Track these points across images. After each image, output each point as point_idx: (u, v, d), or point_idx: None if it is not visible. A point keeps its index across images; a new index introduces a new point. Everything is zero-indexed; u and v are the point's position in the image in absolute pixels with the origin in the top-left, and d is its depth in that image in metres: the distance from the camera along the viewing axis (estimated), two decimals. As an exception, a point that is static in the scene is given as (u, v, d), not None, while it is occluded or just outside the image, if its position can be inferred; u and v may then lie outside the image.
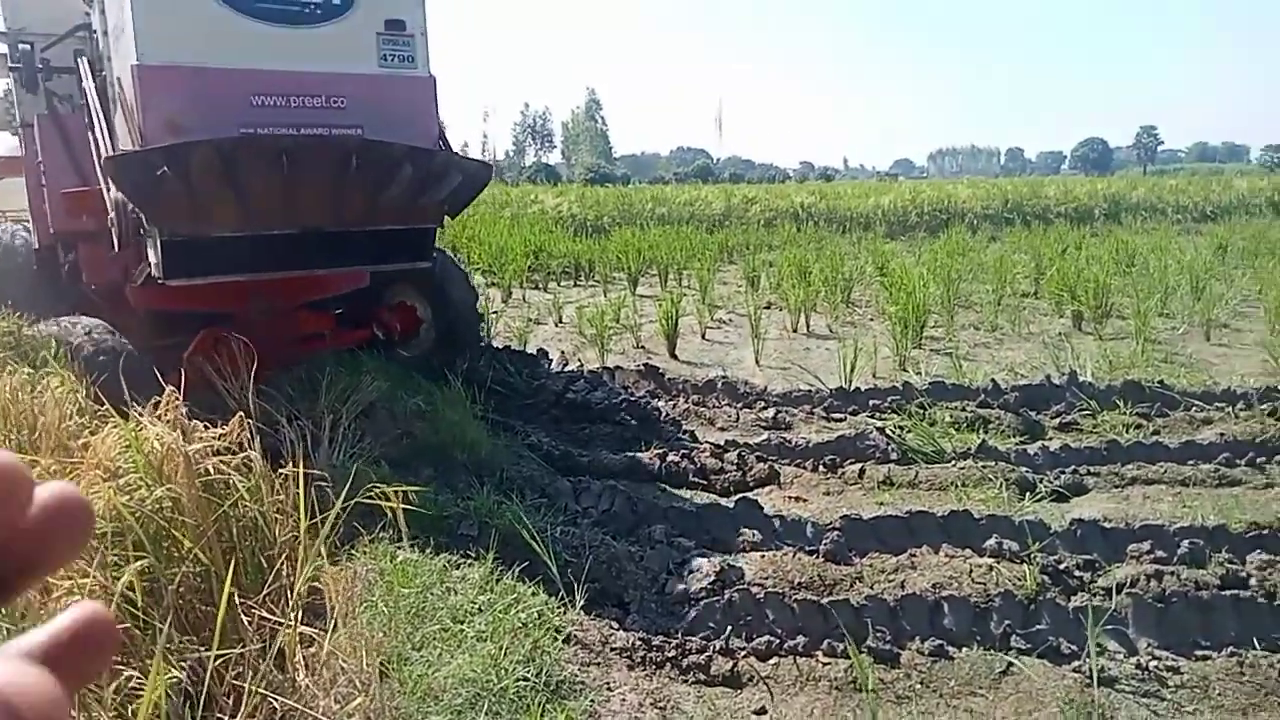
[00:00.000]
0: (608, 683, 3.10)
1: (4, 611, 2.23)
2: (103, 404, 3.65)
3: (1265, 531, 4.13)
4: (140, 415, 3.23)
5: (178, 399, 3.30)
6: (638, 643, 3.34)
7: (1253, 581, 3.69)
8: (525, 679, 2.90)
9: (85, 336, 4.83)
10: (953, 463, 5.25)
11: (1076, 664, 3.19)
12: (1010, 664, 3.19)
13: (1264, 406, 5.97)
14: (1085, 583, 3.79)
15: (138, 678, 2.26)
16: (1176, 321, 9.53)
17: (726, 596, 3.61)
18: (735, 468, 5.32)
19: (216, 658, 2.40)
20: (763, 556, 4.05)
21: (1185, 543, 3.97)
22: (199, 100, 4.76)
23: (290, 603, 2.74)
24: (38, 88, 6.09)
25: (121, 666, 2.36)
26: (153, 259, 4.85)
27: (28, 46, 5.94)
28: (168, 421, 3.21)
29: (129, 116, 4.85)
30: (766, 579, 3.84)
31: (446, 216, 5.63)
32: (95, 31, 5.37)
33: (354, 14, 5.19)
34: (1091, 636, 3.09)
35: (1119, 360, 7.68)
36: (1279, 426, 5.66)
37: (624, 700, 3.01)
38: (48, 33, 5.94)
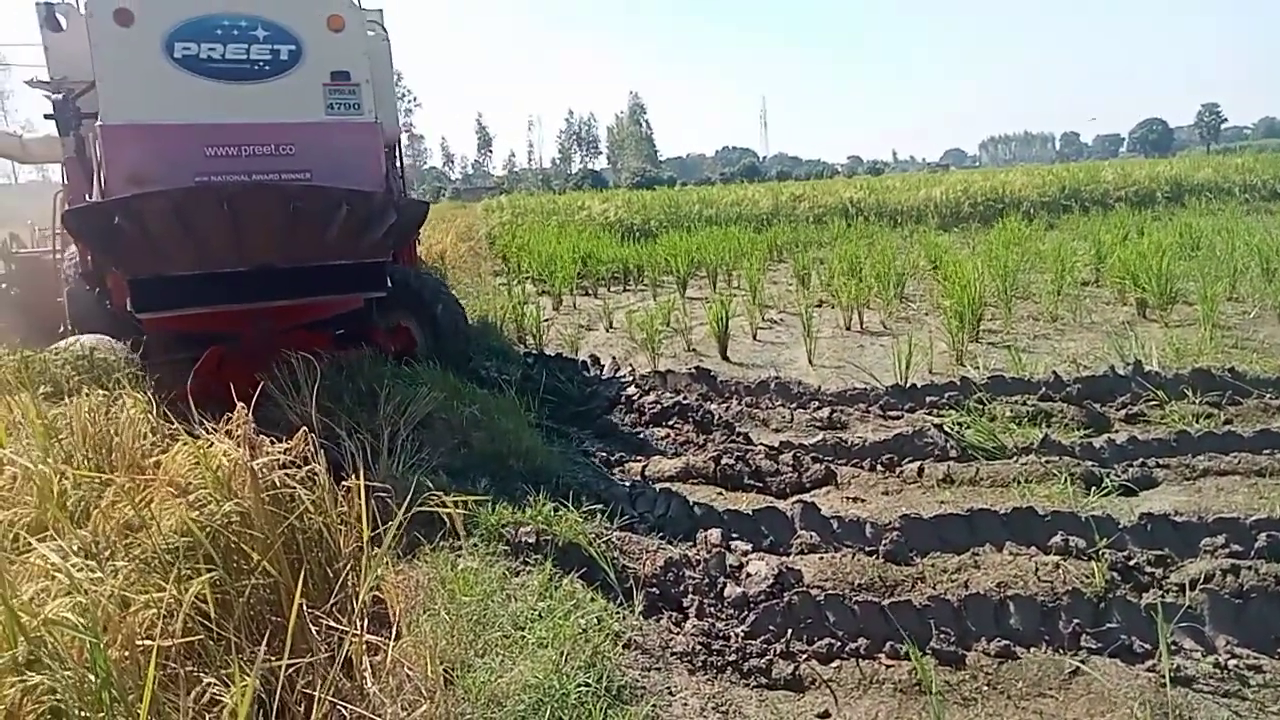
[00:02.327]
0: (669, 687, 3.11)
1: None
2: (173, 423, 3.78)
3: (1349, 522, 3.95)
4: (209, 433, 3.33)
5: (246, 416, 3.40)
6: (698, 647, 3.34)
7: (1337, 575, 3.54)
8: (587, 684, 2.91)
9: (85, 351, 5.50)
10: (1014, 458, 5.15)
11: (1150, 663, 3.10)
12: (1080, 664, 3.12)
13: (1344, 392, 5.72)
14: (1157, 579, 3.69)
15: (215, 686, 2.33)
16: (1246, 306, 9.20)
17: (786, 599, 3.59)
18: (791, 469, 5.29)
19: (288, 667, 2.46)
20: (821, 558, 4.02)
21: (1262, 535, 3.83)
22: (158, 154, 5.43)
23: (356, 612, 2.81)
24: (69, 132, 6.55)
25: (198, 676, 2.45)
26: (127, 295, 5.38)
27: (60, 96, 6.42)
28: (235, 438, 3.31)
29: (97, 170, 5.58)
30: (826, 581, 3.81)
31: (391, 250, 6.09)
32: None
33: (301, 68, 5.80)
34: (1164, 635, 3.00)
35: (1186, 348, 7.44)
36: (1361, 412, 5.42)
37: (686, 705, 3.01)
38: (83, 80, 6.31)
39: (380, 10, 8.66)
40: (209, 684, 2.38)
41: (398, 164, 8.59)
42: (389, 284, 6.12)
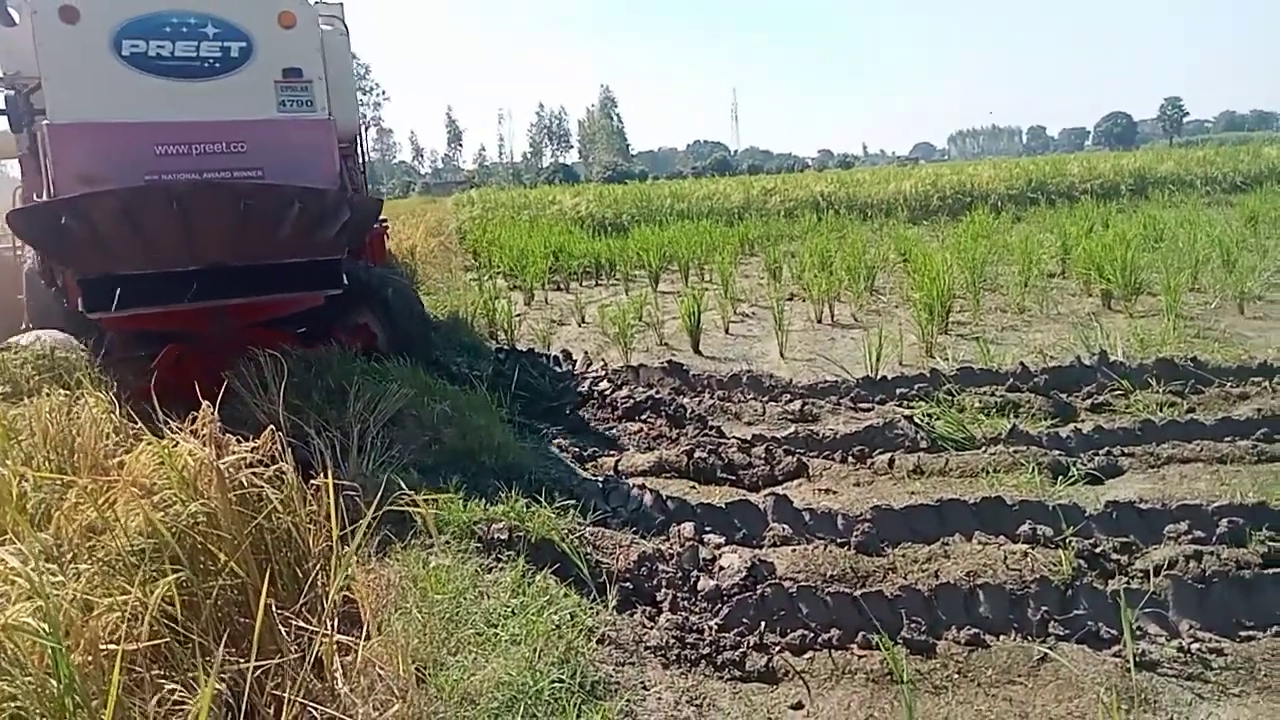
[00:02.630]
0: (643, 682, 3.11)
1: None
2: (137, 423, 3.72)
3: (1307, 507, 4.04)
4: (174, 432, 3.28)
5: (212, 415, 3.35)
6: (671, 640, 3.35)
7: (1296, 559, 3.62)
8: (560, 681, 2.91)
9: (44, 349, 5.47)
10: (983, 449, 5.20)
11: (1116, 649, 3.15)
12: (1048, 651, 3.16)
13: (1302, 380, 5.85)
14: (1123, 566, 3.75)
15: (180, 691, 2.30)
16: (1208, 296, 9.37)
17: (759, 592, 3.61)
18: (763, 462, 5.31)
19: (256, 668, 2.43)
20: (794, 550, 4.04)
21: (1224, 521, 3.90)
22: (107, 153, 5.37)
23: (326, 611, 2.78)
24: (22, 128, 6.39)
25: (163, 680, 2.41)
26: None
27: (12, 91, 6.27)
28: (201, 437, 3.26)
29: (45, 169, 5.48)
30: (798, 573, 3.83)
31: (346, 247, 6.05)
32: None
33: (252, 65, 5.77)
34: (1128, 620, 3.05)
35: (1150, 338, 7.56)
36: (1318, 399, 5.54)
37: (660, 699, 3.02)
38: (36, 77, 6.17)
39: (340, 3, 8.57)
40: (172, 689, 2.35)
41: (361, 159, 8.49)
42: (344, 281, 6.07)
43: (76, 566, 2.60)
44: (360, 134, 8.52)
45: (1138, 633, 3.19)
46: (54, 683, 2.06)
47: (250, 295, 5.76)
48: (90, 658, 2.21)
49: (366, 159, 9.42)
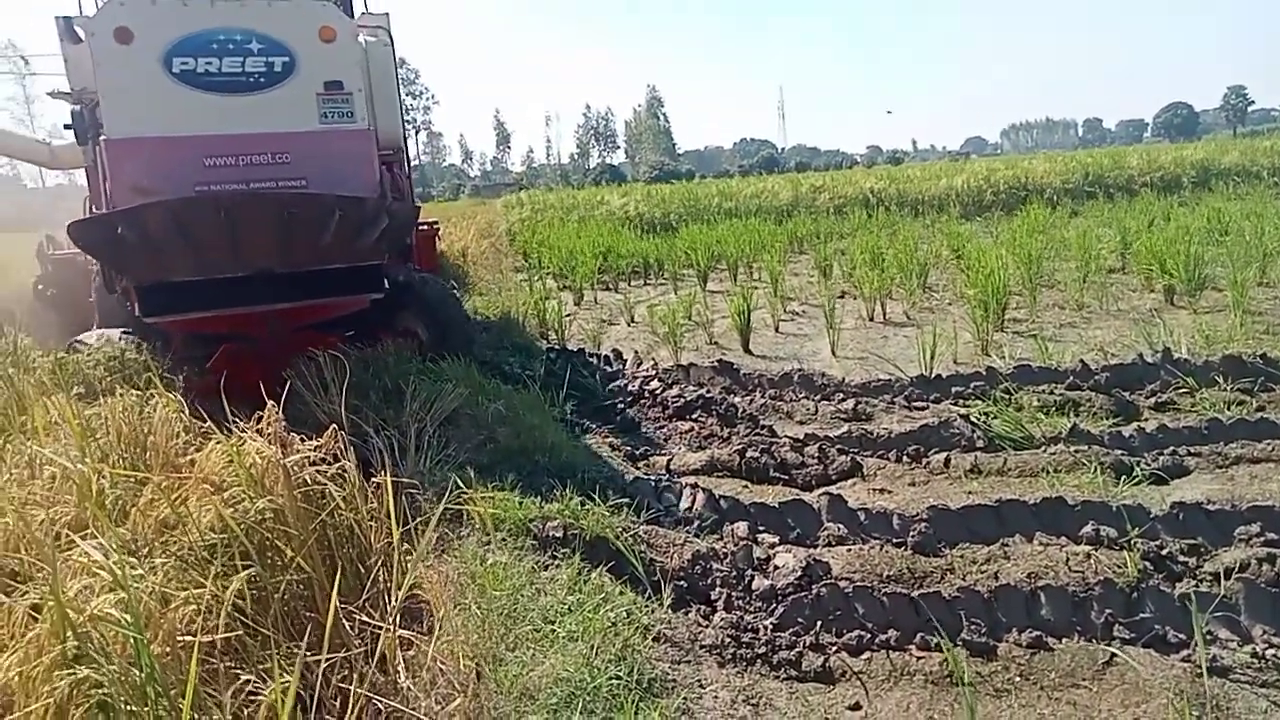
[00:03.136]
0: (699, 680, 3.12)
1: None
2: (205, 421, 3.84)
3: (1387, 510, 3.89)
4: (241, 431, 3.38)
5: (277, 414, 3.45)
6: (727, 639, 3.35)
7: (1375, 563, 3.49)
8: (618, 678, 2.93)
9: (104, 343, 5.89)
10: (1043, 448, 5.10)
11: (1185, 654, 3.08)
12: (1114, 655, 3.09)
13: (1380, 377, 5.63)
14: (1191, 568, 3.65)
15: (254, 683, 2.37)
16: (1277, 290, 9.05)
17: (814, 591, 3.59)
18: (816, 461, 5.28)
19: (325, 662, 2.49)
20: (849, 550, 4.01)
21: (1299, 524, 3.78)
22: (159, 165, 5.70)
23: (390, 607, 2.84)
24: (87, 141, 6.73)
25: (236, 671, 2.49)
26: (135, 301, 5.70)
27: (79, 106, 6.61)
28: (267, 436, 3.36)
29: (102, 181, 5.91)
30: (854, 573, 3.80)
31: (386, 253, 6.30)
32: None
33: (295, 78, 6.04)
34: (1199, 624, 2.97)
35: (1216, 334, 7.34)
36: (1398, 397, 5.33)
37: (716, 698, 3.02)
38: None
39: (386, 14, 8.75)
40: (247, 680, 2.42)
41: (405, 167, 8.66)
42: (386, 286, 6.29)
43: (153, 560, 2.70)
44: (405, 140, 8.69)
45: (1208, 637, 3.10)
46: (136, 672, 2.15)
47: (296, 300, 6.01)
48: (168, 648, 2.29)
49: (411, 165, 9.60)
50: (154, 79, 5.69)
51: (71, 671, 2.07)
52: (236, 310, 5.82)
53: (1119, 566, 3.58)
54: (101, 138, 5.79)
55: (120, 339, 5.92)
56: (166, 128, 5.76)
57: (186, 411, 4.25)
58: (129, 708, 2.10)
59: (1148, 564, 3.63)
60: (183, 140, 5.80)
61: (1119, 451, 4.92)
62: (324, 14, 6.18)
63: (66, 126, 7.09)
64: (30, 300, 9.55)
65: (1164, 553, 3.72)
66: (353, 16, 8.22)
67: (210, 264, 5.61)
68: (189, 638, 2.29)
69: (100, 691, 2.08)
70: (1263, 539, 3.77)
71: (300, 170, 6.05)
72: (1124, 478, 4.64)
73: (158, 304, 5.60)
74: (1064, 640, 3.23)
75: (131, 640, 2.17)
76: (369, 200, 6.01)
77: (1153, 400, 5.92)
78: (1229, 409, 5.57)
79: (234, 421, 3.63)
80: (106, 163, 5.77)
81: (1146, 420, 5.57)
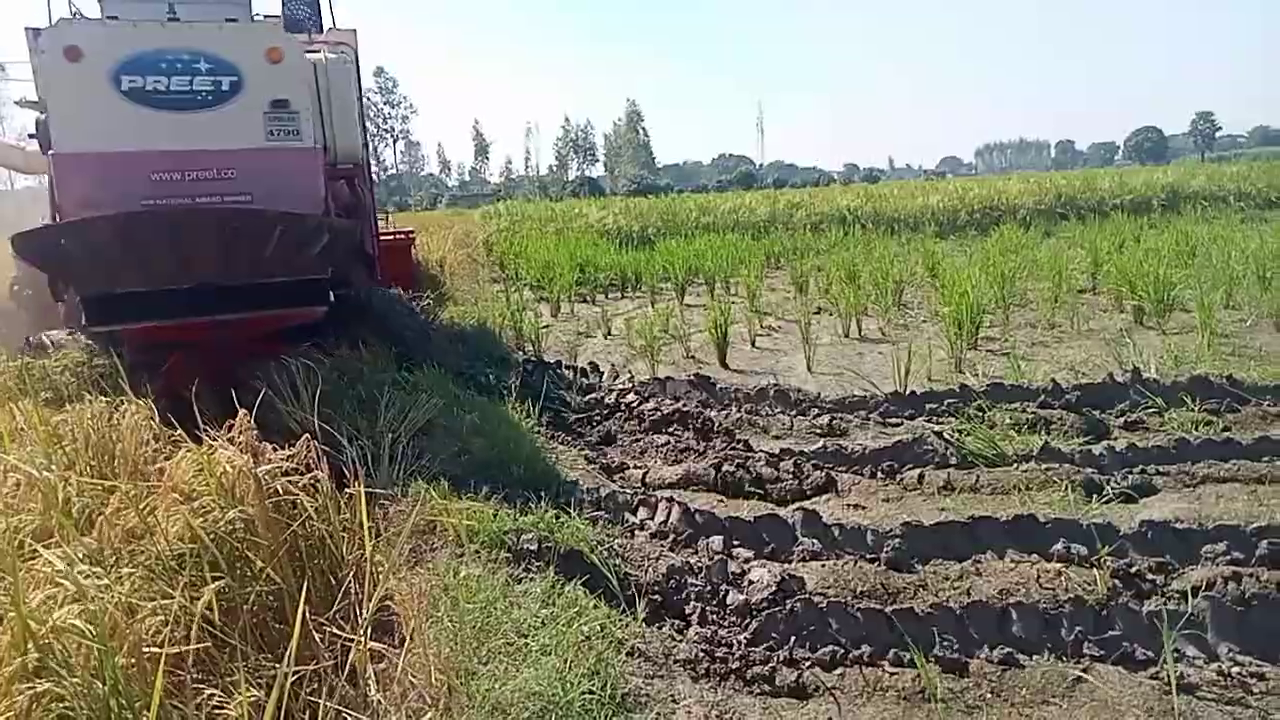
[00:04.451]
0: (672, 695, 3.10)
1: None
2: (175, 429, 3.79)
3: (1349, 530, 3.97)
4: (212, 439, 3.33)
5: (248, 423, 3.41)
6: (701, 654, 3.34)
7: (1338, 582, 3.55)
8: (591, 692, 2.91)
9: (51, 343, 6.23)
10: (1015, 466, 5.15)
11: (1153, 670, 3.11)
12: (1083, 672, 3.12)
13: (1342, 399, 5.74)
14: (1159, 586, 3.69)
15: (219, 696, 2.33)
16: (1243, 313, 9.23)
17: (788, 606, 3.59)
18: (791, 476, 5.29)
19: (294, 674, 2.45)
20: (823, 565, 4.02)
21: (1264, 543, 3.84)
22: (107, 180, 5.83)
23: (361, 620, 2.80)
24: (48, 151, 6.68)
25: (202, 684, 2.44)
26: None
27: (43, 116, 6.57)
28: (238, 444, 3.31)
29: (51, 194, 6.13)
30: (828, 588, 3.81)
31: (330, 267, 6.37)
32: None
33: (242, 97, 6.21)
34: (1169, 642, 3.00)
35: (1184, 355, 7.46)
36: (1359, 420, 5.44)
37: (689, 713, 3.01)
38: None
39: (353, 30, 8.86)
40: (211, 694, 2.38)
41: (367, 180, 8.69)
42: (330, 299, 6.40)
43: (119, 570, 2.65)
44: (367, 153, 8.74)
45: (1175, 655, 3.13)
46: (99, 684, 2.10)
47: (240, 311, 6.06)
48: (133, 660, 2.25)
49: (373, 177, 9.68)
50: (103, 96, 5.85)
51: (31, 686, 2.03)
52: (179, 321, 5.89)
53: (1089, 584, 3.62)
54: (50, 152, 5.91)
55: (70, 340, 6.06)
56: (114, 143, 5.90)
57: (156, 419, 4.18)
58: (91, 721, 2.05)
59: (1117, 582, 3.67)
60: (130, 155, 5.94)
61: (1089, 470, 4.98)
62: (271, 36, 6.42)
63: (30, 135, 7.20)
64: (5, 301, 9.39)
65: (1133, 571, 3.77)
66: (321, 31, 8.38)
67: (154, 275, 5.67)
68: (155, 649, 2.25)
69: (61, 705, 2.03)
70: (1229, 557, 3.83)
71: (246, 186, 6.20)
72: (1094, 496, 4.69)
73: (102, 313, 5.69)
74: (1035, 657, 3.25)
75: (95, 652, 2.12)
76: (310, 216, 6.16)
77: (1122, 420, 6.01)
78: (1196, 429, 5.66)
79: (204, 429, 3.57)
80: (55, 176, 5.94)
81: (1116, 439, 5.65)
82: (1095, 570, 3.70)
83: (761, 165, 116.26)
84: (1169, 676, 2.98)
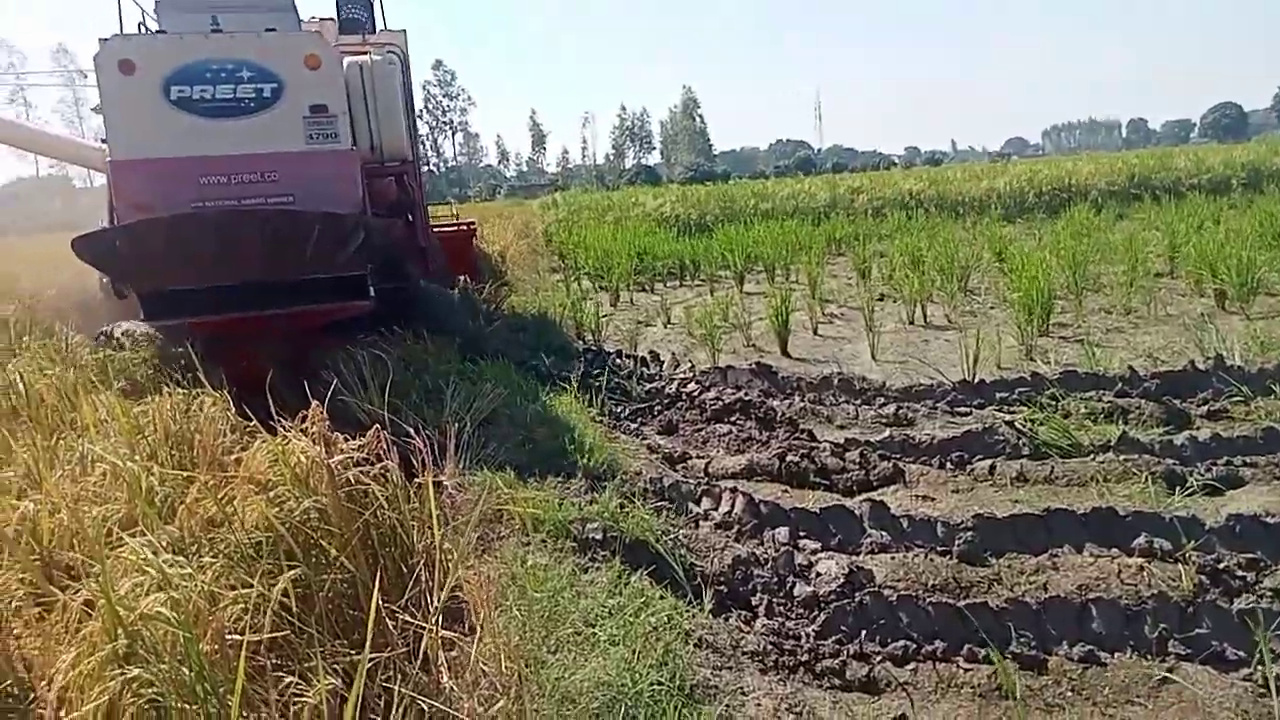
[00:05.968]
0: (741, 687, 3.08)
1: None
2: (250, 420, 3.88)
3: None
4: (286, 430, 3.40)
5: (321, 413, 3.47)
6: (768, 646, 3.31)
7: None
8: (659, 683, 2.90)
9: (122, 334, 6.73)
10: (1091, 457, 4.99)
11: (1246, 671, 2.98)
12: (1169, 671, 3.01)
13: None
14: (1249, 583, 3.54)
15: (296, 683, 2.37)
16: (1335, 296, 8.78)
17: (858, 599, 3.54)
18: (857, 466, 5.21)
19: (369, 662, 2.49)
20: (892, 558, 3.95)
21: (1363, 539, 3.65)
22: (158, 184, 6.28)
23: (432, 608, 2.83)
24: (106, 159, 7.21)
25: (280, 669, 2.50)
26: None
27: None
28: (311, 435, 3.38)
29: (109, 198, 6.62)
30: (898, 581, 3.74)
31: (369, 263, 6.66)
32: None
33: (283, 103, 6.58)
34: (1265, 641, 2.87)
35: (1271, 341, 7.13)
36: None
37: (759, 705, 2.98)
38: None
39: (403, 31, 9.02)
40: (290, 682, 2.42)
41: (417, 176, 8.83)
42: (371, 294, 6.65)
43: (200, 559, 2.72)
44: (416, 150, 8.94)
45: (1270, 654, 3.00)
46: (185, 670, 2.16)
47: (286, 306, 6.34)
48: (216, 647, 2.30)
49: (422, 173, 9.89)
50: (154, 106, 6.24)
51: (122, 670, 2.09)
52: (229, 316, 6.18)
53: (1174, 580, 3.48)
54: (107, 159, 6.31)
55: (139, 331, 6.45)
56: (165, 150, 6.31)
57: (231, 409, 4.30)
58: (179, 706, 2.11)
59: (1204, 578, 3.53)
60: (180, 161, 6.33)
61: (1170, 461, 4.79)
62: (309, 43, 6.74)
63: (102, 141, 7.62)
64: (99, 294, 9.80)
65: (1221, 567, 3.62)
66: (374, 33, 8.82)
67: (204, 273, 6.01)
68: (237, 636, 2.30)
69: (151, 690, 2.09)
70: (1325, 554, 3.64)
71: (288, 188, 6.55)
72: (1176, 488, 4.52)
73: (159, 309, 6.05)
74: (1117, 655, 3.15)
75: (181, 639, 2.18)
76: (347, 216, 6.41)
77: (1205, 408, 5.77)
78: (1286, 418, 5.40)
79: (278, 420, 3.65)
80: (112, 182, 6.35)
81: (1199, 429, 5.42)
82: (1180, 566, 3.56)
83: (820, 150, 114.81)
84: (1269, 678, 2.85)
